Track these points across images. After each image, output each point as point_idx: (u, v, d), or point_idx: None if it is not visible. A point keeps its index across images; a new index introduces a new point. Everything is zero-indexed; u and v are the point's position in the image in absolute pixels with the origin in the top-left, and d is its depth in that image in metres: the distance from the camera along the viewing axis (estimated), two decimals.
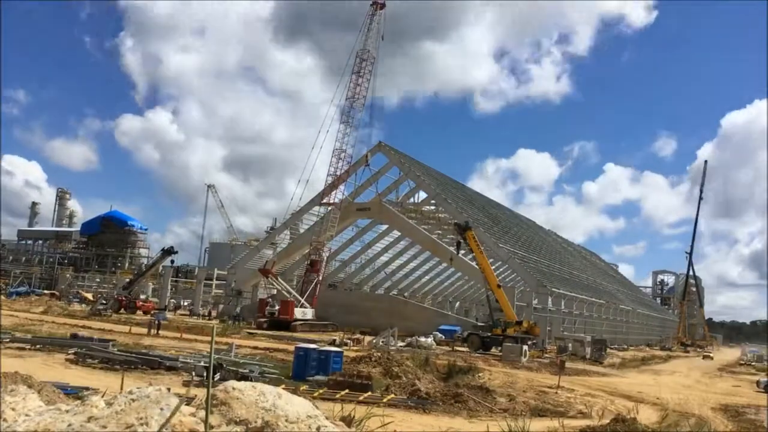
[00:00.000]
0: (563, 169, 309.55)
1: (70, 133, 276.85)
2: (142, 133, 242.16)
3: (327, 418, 8.13)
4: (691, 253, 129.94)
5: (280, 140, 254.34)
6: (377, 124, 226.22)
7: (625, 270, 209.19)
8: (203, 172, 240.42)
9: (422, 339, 46.67)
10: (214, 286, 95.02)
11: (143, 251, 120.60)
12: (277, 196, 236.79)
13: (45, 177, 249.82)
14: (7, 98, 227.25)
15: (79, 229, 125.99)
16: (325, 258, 69.10)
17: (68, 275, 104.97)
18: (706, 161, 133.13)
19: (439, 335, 52.95)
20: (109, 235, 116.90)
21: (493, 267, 58.67)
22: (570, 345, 51.27)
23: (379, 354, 26.61)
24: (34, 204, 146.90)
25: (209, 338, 24.60)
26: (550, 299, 62.92)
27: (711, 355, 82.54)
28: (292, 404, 7.64)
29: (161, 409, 6.59)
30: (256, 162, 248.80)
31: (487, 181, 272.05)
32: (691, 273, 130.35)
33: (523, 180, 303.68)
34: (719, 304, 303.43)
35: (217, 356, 23.67)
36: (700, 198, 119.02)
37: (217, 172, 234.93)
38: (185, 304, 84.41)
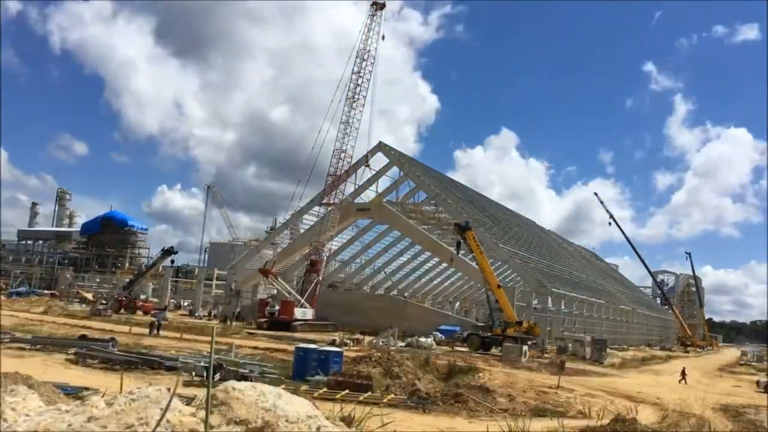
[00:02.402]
0: None
1: None
2: None
3: (327, 418, 8.14)
4: (689, 255, 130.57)
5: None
6: None
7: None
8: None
9: (422, 339, 46.68)
10: (214, 286, 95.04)
11: (143, 251, 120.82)
12: None
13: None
14: None
15: (79, 229, 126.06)
16: (325, 258, 69.12)
17: (68, 275, 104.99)
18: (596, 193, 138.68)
19: (439, 335, 52.96)
20: (109, 235, 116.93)
21: (493, 267, 58.70)
22: (570, 345, 51.29)
23: (379, 354, 26.58)
24: (34, 204, 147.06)
25: (209, 338, 24.63)
26: (550, 299, 62.88)
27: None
28: (292, 404, 7.65)
29: (161, 409, 6.59)
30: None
31: None
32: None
33: None
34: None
35: (217, 356, 23.67)
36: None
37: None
38: (185, 304, 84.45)
